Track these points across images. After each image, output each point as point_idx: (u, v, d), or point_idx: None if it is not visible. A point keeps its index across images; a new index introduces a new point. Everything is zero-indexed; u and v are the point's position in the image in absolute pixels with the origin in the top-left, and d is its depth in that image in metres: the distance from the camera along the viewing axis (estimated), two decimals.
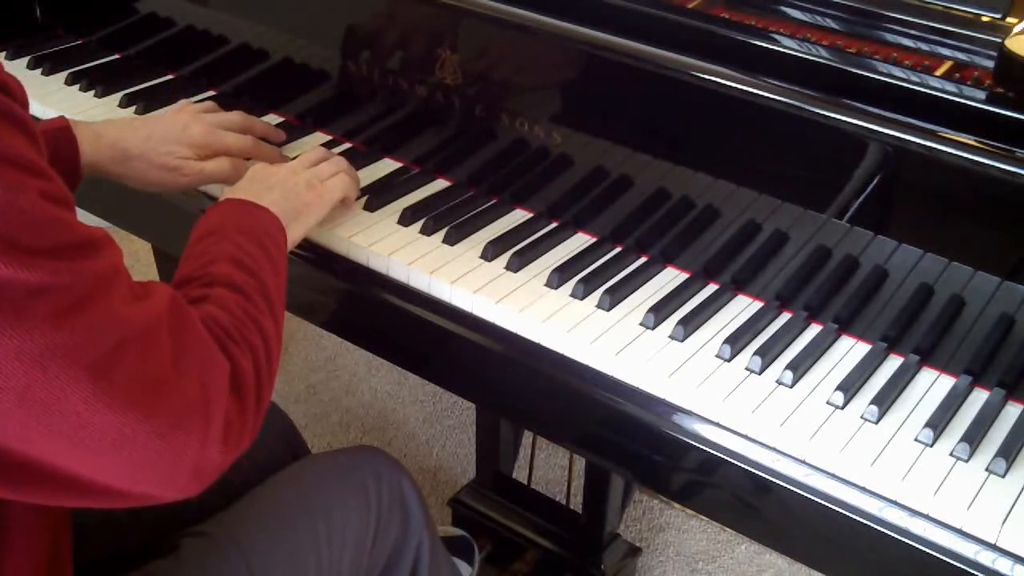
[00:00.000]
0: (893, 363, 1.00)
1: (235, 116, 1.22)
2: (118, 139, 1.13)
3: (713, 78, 1.00)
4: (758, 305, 1.07)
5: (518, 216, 1.19)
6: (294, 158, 1.17)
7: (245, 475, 1.07)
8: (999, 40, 0.94)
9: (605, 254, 1.13)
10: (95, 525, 1.00)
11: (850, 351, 1.02)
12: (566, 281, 1.08)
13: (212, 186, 1.21)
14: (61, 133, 1.08)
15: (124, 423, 0.69)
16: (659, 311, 1.04)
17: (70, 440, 0.68)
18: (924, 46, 1.01)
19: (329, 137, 1.32)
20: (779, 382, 0.97)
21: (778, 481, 0.92)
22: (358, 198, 1.17)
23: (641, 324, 1.03)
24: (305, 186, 1.08)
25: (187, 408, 0.73)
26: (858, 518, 0.88)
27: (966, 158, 0.90)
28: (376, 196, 1.18)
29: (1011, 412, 0.95)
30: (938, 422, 0.92)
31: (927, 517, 0.86)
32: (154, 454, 0.71)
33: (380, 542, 1.09)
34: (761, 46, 1.02)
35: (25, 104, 0.69)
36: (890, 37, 1.03)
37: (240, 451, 0.78)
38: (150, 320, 0.72)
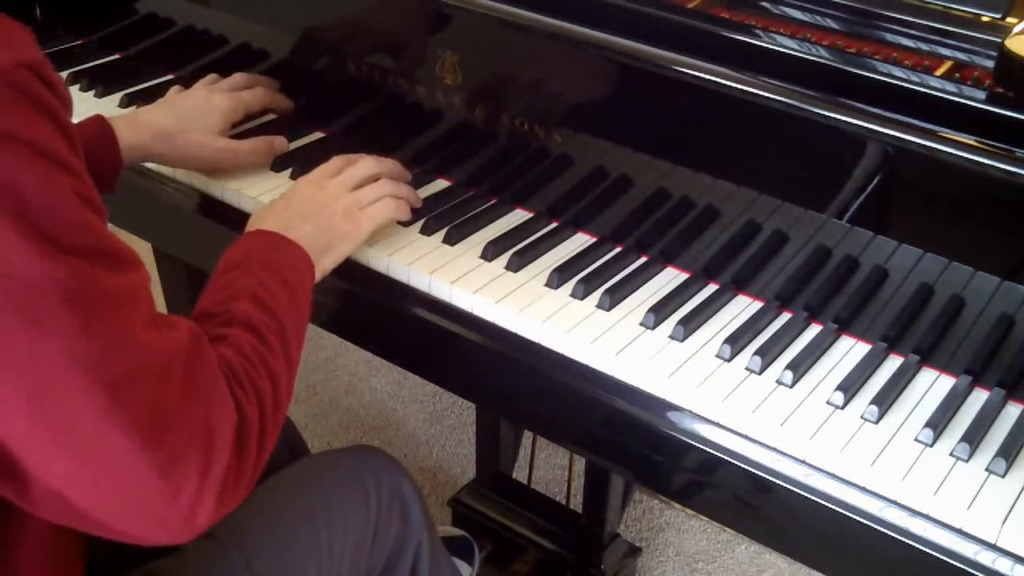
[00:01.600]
0: (893, 363, 1.00)
1: (237, 77, 1.29)
2: (154, 120, 1.18)
3: (713, 78, 1.00)
4: (758, 305, 1.07)
5: (518, 216, 1.19)
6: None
7: None
8: (999, 40, 0.94)
9: (605, 254, 1.13)
10: None
11: (850, 351, 1.02)
12: (566, 281, 1.08)
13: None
14: (97, 126, 1.13)
15: (128, 449, 0.68)
16: (659, 311, 1.04)
17: (71, 456, 0.67)
18: (924, 46, 1.01)
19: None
20: (779, 382, 0.97)
21: (778, 481, 0.92)
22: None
23: (641, 324, 1.03)
24: (342, 215, 1.06)
25: (190, 449, 0.71)
26: (858, 518, 0.88)
27: (966, 158, 0.90)
28: None
29: (1011, 412, 0.95)
30: (938, 422, 0.92)
31: (927, 517, 0.86)
32: (152, 490, 0.70)
33: (380, 541, 1.09)
34: (761, 46, 1.02)
35: (70, 108, 0.69)
36: (890, 37, 1.03)
37: (236, 503, 0.76)
38: (168, 352, 0.71)
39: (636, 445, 1.00)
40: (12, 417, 0.65)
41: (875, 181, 0.97)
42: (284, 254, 0.97)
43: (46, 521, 0.77)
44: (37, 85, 0.64)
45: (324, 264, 1.03)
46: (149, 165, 1.25)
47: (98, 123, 1.13)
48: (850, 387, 0.96)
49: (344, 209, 1.07)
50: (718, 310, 1.06)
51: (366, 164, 1.13)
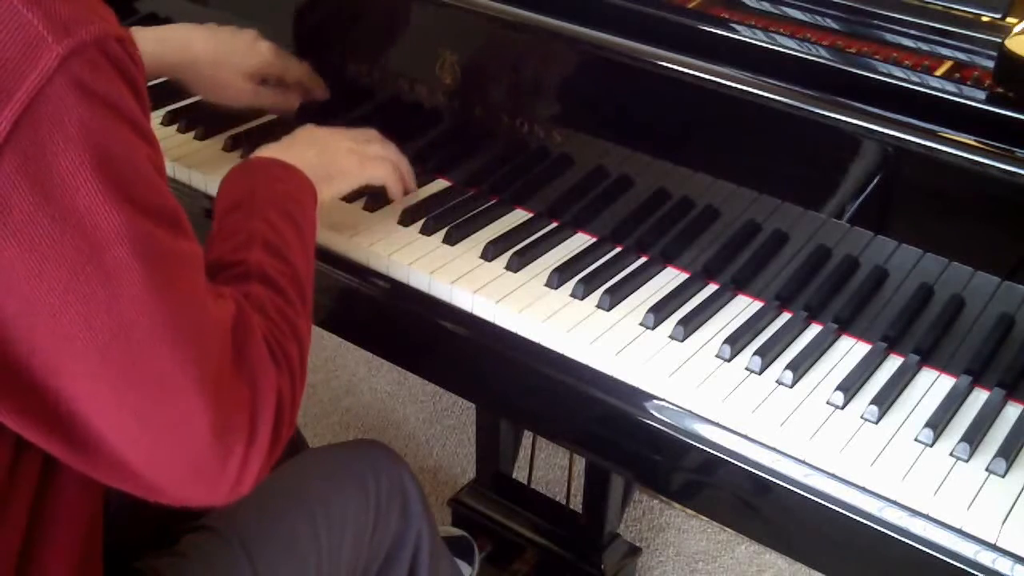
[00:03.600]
0: (893, 363, 1.00)
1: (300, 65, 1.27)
2: (188, 44, 1.17)
3: (713, 78, 1.00)
4: (758, 305, 1.07)
5: (518, 216, 1.19)
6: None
7: None
8: (999, 40, 0.94)
9: (605, 254, 1.13)
10: None
11: (850, 351, 1.02)
12: (566, 281, 1.08)
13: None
14: None
15: (186, 407, 0.70)
16: (659, 311, 1.04)
17: (134, 414, 0.69)
18: (924, 46, 1.01)
19: None
20: (779, 382, 0.97)
21: (778, 481, 0.92)
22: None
23: (641, 324, 1.03)
24: (346, 151, 1.09)
25: (240, 416, 0.74)
26: (858, 518, 0.88)
27: (966, 158, 0.90)
28: (376, 197, 1.18)
29: (1011, 412, 0.95)
30: (938, 422, 0.92)
31: (927, 517, 0.86)
32: (206, 450, 0.72)
33: (379, 533, 1.09)
34: (761, 46, 1.02)
35: (145, 77, 0.72)
36: (890, 37, 1.03)
37: (271, 464, 0.78)
38: (224, 321, 0.74)
39: (636, 445, 1.00)
40: (83, 375, 0.68)
41: (875, 181, 0.97)
42: (286, 185, 0.98)
43: (78, 497, 0.79)
44: (125, 58, 0.68)
45: (323, 194, 1.03)
46: None
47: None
48: (850, 387, 0.96)
49: (348, 148, 1.09)
50: (718, 310, 1.06)
51: (372, 132, 1.16)
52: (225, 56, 1.18)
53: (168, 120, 1.33)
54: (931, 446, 0.91)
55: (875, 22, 1.04)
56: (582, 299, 1.06)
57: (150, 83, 1.16)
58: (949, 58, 1.00)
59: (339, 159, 1.08)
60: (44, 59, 0.63)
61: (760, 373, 0.98)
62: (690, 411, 0.96)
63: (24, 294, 0.65)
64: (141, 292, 0.67)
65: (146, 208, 0.68)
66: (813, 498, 0.90)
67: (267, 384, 0.76)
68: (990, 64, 0.96)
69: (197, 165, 1.24)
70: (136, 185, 0.67)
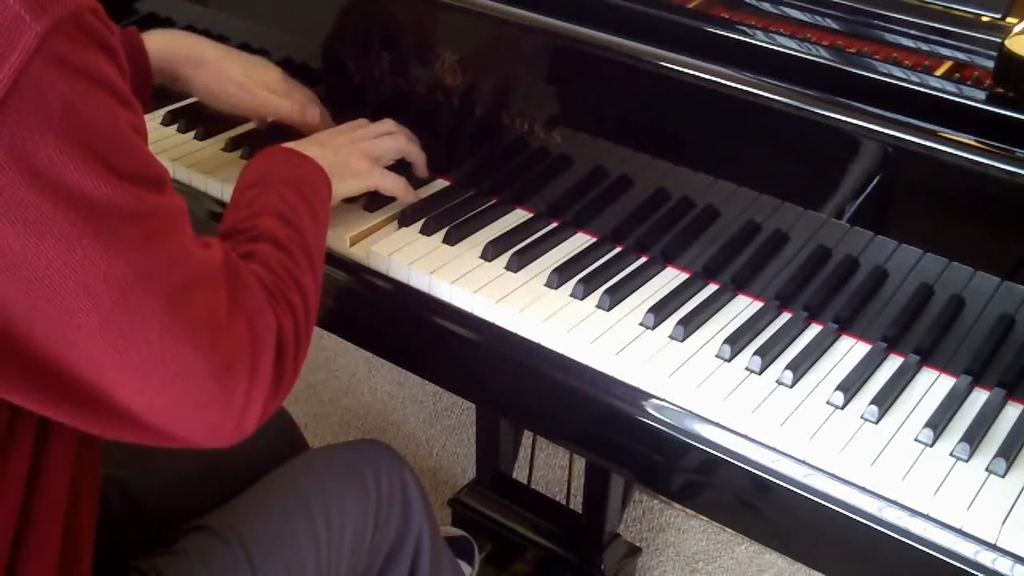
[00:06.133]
0: (893, 363, 1.00)
1: (309, 91, 1.26)
2: (196, 42, 1.20)
3: (713, 78, 1.00)
4: (758, 305, 1.07)
5: (518, 216, 1.19)
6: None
7: (245, 471, 1.08)
8: (999, 40, 0.94)
9: (605, 254, 1.13)
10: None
11: (850, 351, 1.02)
12: (566, 281, 1.08)
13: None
14: (127, 35, 1.13)
15: (186, 357, 0.72)
16: (659, 311, 1.04)
17: (138, 371, 0.70)
18: (924, 46, 1.01)
19: None
20: (779, 382, 0.97)
21: (778, 481, 0.92)
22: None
23: (641, 324, 1.03)
24: (359, 155, 1.11)
25: (239, 356, 0.76)
26: (858, 518, 0.88)
27: (966, 158, 0.90)
28: (375, 197, 1.18)
29: (1011, 412, 0.95)
30: (938, 422, 0.92)
31: (927, 517, 0.86)
32: (208, 395, 0.74)
33: (380, 533, 1.09)
34: (761, 46, 1.02)
35: (118, 39, 0.73)
36: (890, 37, 1.03)
37: (275, 408, 0.80)
38: (214, 266, 0.76)
39: (636, 445, 1.00)
40: (85, 342, 0.69)
41: (875, 181, 0.97)
42: (302, 169, 1.02)
43: (63, 468, 0.80)
44: (101, 28, 0.69)
45: (336, 190, 1.06)
46: None
47: (129, 35, 1.14)
48: (850, 387, 0.96)
49: (362, 151, 1.12)
50: (718, 310, 1.06)
51: (386, 122, 1.19)
52: (234, 59, 1.19)
53: (168, 120, 1.33)
54: (931, 446, 0.91)
55: (875, 22, 1.04)
56: (582, 299, 1.06)
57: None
58: (949, 58, 1.00)
59: (351, 162, 1.10)
60: (23, 39, 0.63)
61: (760, 373, 0.98)
62: (690, 411, 0.96)
63: (22, 272, 0.66)
64: (137, 255, 0.69)
65: (132, 175, 0.69)
66: (813, 498, 0.90)
67: (265, 323, 0.79)
68: (990, 64, 0.96)
69: (197, 164, 1.24)
70: (121, 154, 0.68)
